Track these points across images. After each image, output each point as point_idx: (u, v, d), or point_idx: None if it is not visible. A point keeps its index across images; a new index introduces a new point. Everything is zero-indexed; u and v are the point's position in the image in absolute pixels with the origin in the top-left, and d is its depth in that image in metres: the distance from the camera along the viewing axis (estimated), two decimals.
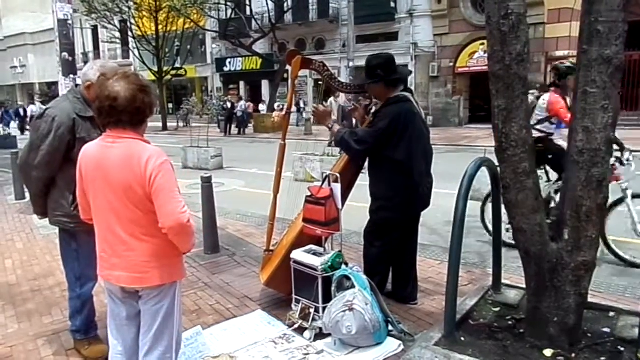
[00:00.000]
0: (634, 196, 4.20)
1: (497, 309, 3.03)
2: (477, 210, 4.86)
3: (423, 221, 3.55)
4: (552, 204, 4.44)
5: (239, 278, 4.05)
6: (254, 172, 10.39)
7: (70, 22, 5.50)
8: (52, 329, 3.22)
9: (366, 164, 3.38)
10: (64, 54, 5.44)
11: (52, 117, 2.55)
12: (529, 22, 2.47)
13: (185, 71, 29.08)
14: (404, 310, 3.34)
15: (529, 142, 2.51)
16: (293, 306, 3.17)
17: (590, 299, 2.69)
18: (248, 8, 25.70)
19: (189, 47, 27.24)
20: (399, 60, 3.54)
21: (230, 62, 29.14)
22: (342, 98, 13.58)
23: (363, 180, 3.43)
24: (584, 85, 2.32)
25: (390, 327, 2.93)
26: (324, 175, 3.21)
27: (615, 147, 3.22)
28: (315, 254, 3.09)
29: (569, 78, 4.29)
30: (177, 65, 27.03)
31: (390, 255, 3.38)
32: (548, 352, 2.48)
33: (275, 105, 23.40)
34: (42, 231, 5.53)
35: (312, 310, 3.01)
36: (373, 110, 3.42)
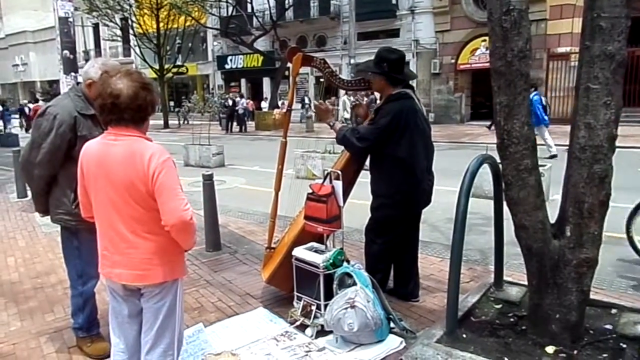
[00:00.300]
0: None
1: (499, 306, 3.02)
2: (479, 207, 4.74)
3: (424, 218, 3.55)
4: None
5: (240, 275, 4.06)
6: (256, 170, 10.38)
7: (71, 20, 5.50)
8: (55, 326, 3.23)
9: (367, 161, 3.38)
10: (65, 51, 5.44)
11: (54, 115, 2.55)
12: (530, 19, 2.46)
13: (187, 69, 29.10)
14: (405, 307, 3.34)
15: (531, 138, 2.50)
16: (295, 303, 3.17)
17: (592, 296, 2.69)
18: (249, 5, 25.68)
19: (190, 44, 27.20)
20: None
21: (231, 60, 29.13)
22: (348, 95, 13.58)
23: (364, 178, 3.42)
24: (586, 82, 2.31)
25: (392, 325, 2.93)
26: (326, 172, 3.21)
27: None
28: (316, 251, 3.10)
29: None
30: (179, 62, 26.99)
31: (391, 253, 3.37)
32: (550, 349, 2.47)
33: (280, 104, 23.35)
34: (44, 229, 5.54)
35: (313, 308, 3.01)
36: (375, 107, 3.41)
